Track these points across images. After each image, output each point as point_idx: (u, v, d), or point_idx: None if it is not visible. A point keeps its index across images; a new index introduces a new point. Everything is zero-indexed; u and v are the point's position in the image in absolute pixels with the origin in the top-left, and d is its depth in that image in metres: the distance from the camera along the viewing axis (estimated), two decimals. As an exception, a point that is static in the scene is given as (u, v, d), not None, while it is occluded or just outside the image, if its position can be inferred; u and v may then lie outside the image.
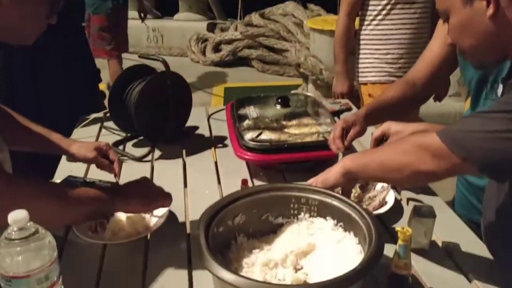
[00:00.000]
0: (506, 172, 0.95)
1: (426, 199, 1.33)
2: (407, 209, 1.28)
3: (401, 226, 1.00)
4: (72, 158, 1.42)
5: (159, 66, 1.67)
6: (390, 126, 1.31)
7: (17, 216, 0.75)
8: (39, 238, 0.77)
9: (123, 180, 1.45)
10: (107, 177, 1.41)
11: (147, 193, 1.15)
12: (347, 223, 1.06)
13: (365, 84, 2.28)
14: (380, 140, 1.31)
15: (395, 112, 1.47)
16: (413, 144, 1.00)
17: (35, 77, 1.81)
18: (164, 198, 1.18)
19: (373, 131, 1.34)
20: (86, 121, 1.82)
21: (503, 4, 0.93)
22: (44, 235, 0.78)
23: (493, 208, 1.15)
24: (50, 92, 1.83)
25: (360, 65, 2.28)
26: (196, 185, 1.46)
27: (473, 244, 1.17)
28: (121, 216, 1.21)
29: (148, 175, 1.52)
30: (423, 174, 1.00)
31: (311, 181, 1.16)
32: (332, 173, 1.11)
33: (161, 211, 1.22)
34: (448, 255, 1.14)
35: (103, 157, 1.40)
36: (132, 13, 6.91)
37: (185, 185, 1.48)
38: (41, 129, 1.36)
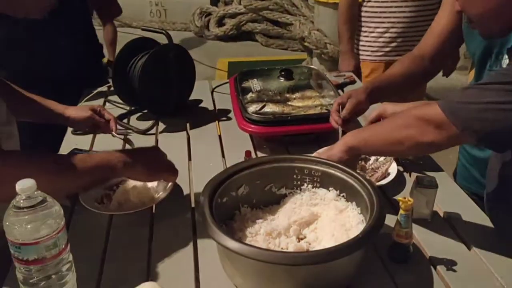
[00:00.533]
0: (504, 142, 0.96)
1: (429, 171, 1.34)
2: (410, 181, 1.29)
3: (403, 196, 1.01)
4: (69, 121, 1.46)
5: (162, 40, 1.66)
6: (386, 108, 1.32)
7: (25, 185, 0.77)
8: (47, 206, 0.79)
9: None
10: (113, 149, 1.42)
11: (154, 165, 1.15)
12: (349, 193, 1.08)
13: (364, 61, 2.26)
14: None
15: (401, 88, 1.46)
16: (413, 116, 1.02)
17: (37, 48, 1.81)
18: (170, 173, 1.18)
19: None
20: (90, 95, 1.83)
21: None
22: (52, 204, 0.80)
23: (495, 179, 1.16)
24: (53, 65, 1.83)
25: (360, 43, 2.25)
26: (200, 158, 1.48)
27: (474, 215, 1.18)
28: (127, 187, 1.23)
29: (153, 148, 1.54)
30: (425, 145, 1.02)
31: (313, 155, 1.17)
32: (335, 151, 1.13)
33: (166, 183, 1.24)
34: (449, 225, 1.15)
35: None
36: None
37: (189, 158, 1.49)
38: (35, 96, 1.37)
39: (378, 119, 1.34)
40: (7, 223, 0.77)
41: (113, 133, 1.52)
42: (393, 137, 1.05)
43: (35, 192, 0.78)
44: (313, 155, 1.18)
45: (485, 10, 1.01)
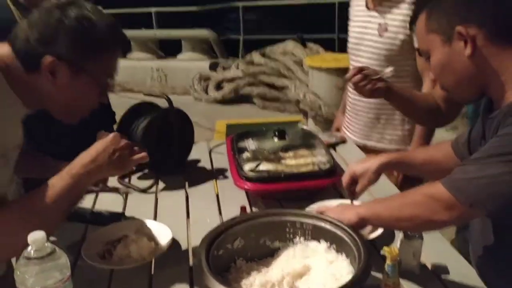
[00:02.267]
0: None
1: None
2: (399, 235, 1.35)
3: (389, 247, 1.07)
4: None
5: (163, 103, 1.78)
6: (355, 169, 1.37)
7: (36, 237, 0.83)
8: (55, 257, 0.85)
9: (129, 211, 1.53)
10: (114, 207, 1.49)
11: (119, 157, 1.13)
12: (339, 245, 1.14)
13: None
14: (351, 185, 1.38)
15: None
16: (423, 195, 1.06)
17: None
18: (137, 158, 1.18)
19: (342, 179, 1.40)
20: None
21: (479, 43, 1.02)
22: (60, 255, 0.86)
23: (480, 240, 1.21)
24: (64, 131, 1.93)
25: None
26: (198, 215, 1.54)
27: (460, 266, 1.23)
28: (128, 242, 1.28)
29: (153, 206, 1.60)
30: (435, 223, 1.07)
31: (321, 209, 1.23)
32: (346, 216, 1.15)
33: (165, 239, 1.30)
34: (437, 277, 1.20)
35: None
36: (136, 54, 7.17)
37: (188, 216, 1.55)
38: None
39: (352, 182, 1.38)
40: (18, 273, 0.83)
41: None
42: (404, 214, 1.09)
43: (45, 244, 0.84)
44: (315, 207, 1.22)
45: (456, 79, 1.10)
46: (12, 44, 1.03)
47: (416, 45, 1.18)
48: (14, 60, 1.03)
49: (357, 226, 1.15)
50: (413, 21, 1.17)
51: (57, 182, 1.05)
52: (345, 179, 1.39)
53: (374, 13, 1.93)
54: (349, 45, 2.09)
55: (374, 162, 1.37)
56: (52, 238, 1.25)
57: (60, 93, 1.05)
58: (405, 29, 1.81)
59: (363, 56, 1.98)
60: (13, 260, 1.07)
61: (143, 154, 1.20)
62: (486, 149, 1.01)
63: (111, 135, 1.15)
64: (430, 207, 1.04)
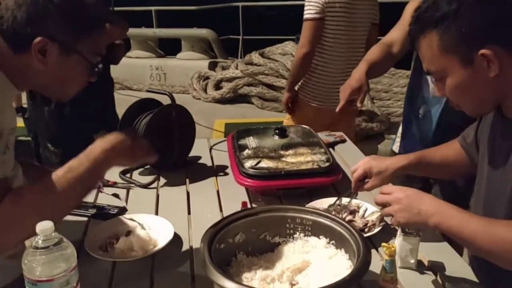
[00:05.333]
0: None
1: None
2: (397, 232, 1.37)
3: (387, 243, 1.09)
4: None
5: (165, 101, 1.80)
6: (371, 165, 1.37)
7: (44, 227, 0.85)
8: (62, 247, 0.87)
9: (130, 206, 1.55)
10: (116, 202, 1.51)
11: (133, 151, 1.16)
12: (338, 241, 1.16)
13: None
14: (361, 180, 1.39)
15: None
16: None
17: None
18: (149, 155, 1.22)
19: (352, 170, 1.42)
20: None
21: (503, 61, 0.99)
22: (66, 245, 0.88)
23: None
24: (66, 130, 1.96)
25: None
26: (199, 212, 1.55)
27: (456, 263, 1.26)
28: (131, 236, 1.30)
29: (154, 202, 1.62)
30: None
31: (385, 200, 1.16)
32: (417, 221, 1.09)
33: (167, 234, 1.32)
34: (433, 274, 1.23)
35: None
36: (136, 52, 7.17)
37: (189, 212, 1.57)
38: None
39: (364, 176, 1.39)
40: (25, 261, 0.84)
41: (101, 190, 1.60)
42: (489, 249, 1.01)
43: (52, 234, 0.86)
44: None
45: (477, 101, 1.07)
46: None
47: (424, 66, 1.11)
48: (0, 41, 1.01)
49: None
50: (414, 38, 1.10)
51: (76, 166, 1.04)
52: (358, 172, 1.38)
53: None
54: None
55: (392, 164, 1.35)
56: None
57: (49, 72, 1.04)
58: None
59: None
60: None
61: (154, 153, 1.22)
62: None
63: (129, 128, 1.15)
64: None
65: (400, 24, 1.88)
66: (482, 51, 0.99)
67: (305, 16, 2.40)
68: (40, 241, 0.85)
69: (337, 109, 1.69)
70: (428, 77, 1.71)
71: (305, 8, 2.40)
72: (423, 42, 1.07)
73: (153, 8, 7.37)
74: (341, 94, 1.70)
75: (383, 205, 1.17)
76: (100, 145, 1.09)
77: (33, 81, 1.07)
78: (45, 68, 1.03)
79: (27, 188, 1.06)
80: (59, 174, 1.02)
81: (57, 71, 1.05)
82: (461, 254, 1.31)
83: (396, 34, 1.87)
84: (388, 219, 1.42)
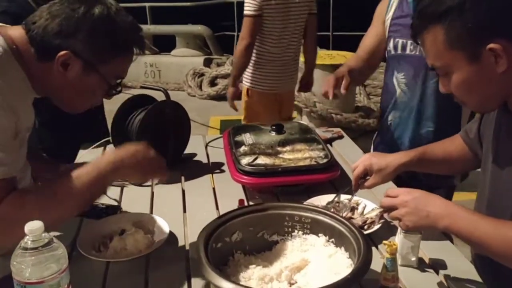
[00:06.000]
0: None
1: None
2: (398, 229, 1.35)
3: (388, 241, 1.07)
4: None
5: (159, 97, 1.76)
6: (372, 162, 1.34)
7: (33, 227, 0.82)
8: (52, 248, 0.84)
9: (125, 204, 1.52)
10: (110, 200, 1.47)
11: (143, 167, 1.15)
12: (338, 239, 1.13)
13: None
14: (362, 177, 1.36)
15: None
16: None
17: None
18: (159, 173, 1.22)
19: (353, 167, 1.39)
20: (89, 148, 1.89)
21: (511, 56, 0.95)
22: (57, 246, 0.85)
23: None
24: (55, 120, 1.91)
25: None
26: (194, 210, 1.52)
27: (458, 261, 1.23)
28: (123, 236, 1.27)
29: (148, 200, 1.59)
30: None
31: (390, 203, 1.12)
32: (426, 224, 1.06)
33: (162, 233, 1.28)
34: (435, 272, 1.20)
35: None
36: (131, 49, 7.11)
37: (184, 210, 1.54)
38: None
39: (364, 174, 1.36)
40: (14, 263, 0.81)
41: None
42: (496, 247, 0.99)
43: (42, 234, 0.83)
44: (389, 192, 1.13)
45: (483, 97, 1.04)
46: (27, 30, 1.02)
47: (429, 61, 1.07)
48: (27, 45, 1.02)
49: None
50: (416, 34, 1.06)
51: (83, 174, 1.05)
52: (358, 169, 1.35)
53: None
54: None
55: (394, 161, 1.32)
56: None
57: (67, 86, 1.05)
58: None
59: None
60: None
61: (165, 172, 1.21)
62: None
63: (144, 144, 1.16)
64: None
65: (372, 30, 1.90)
66: (490, 45, 0.95)
67: (245, 13, 2.66)
68: (29, 242, 0.82)
69: (323, 92, 1.75)
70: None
71: (245, 5, 2.66)
72: (427, 37, 1.03)
73: (147, 4, 7.30)
74: (326, 82, 1.74)
75: (389, 208, 1.14)
76: (110, 156, 1.10)
77: (49, 90, 1.09)
78: (63, 81, 1.04)
79: (31, 190, 1.06)
80: (65, 181, 1.03)
81: (74, 86, 1.06)
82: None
83: (369, 42, 1.90)
84: (389, 218, 1.40)
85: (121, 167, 1.10)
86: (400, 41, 1.76)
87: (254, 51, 2.74)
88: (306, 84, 3.09)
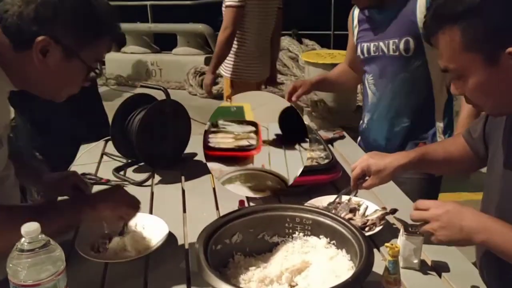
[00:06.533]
0: None
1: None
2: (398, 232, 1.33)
3: (390, 243, 1.05)
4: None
5: (159, 96, 1.75)
6: (369, 164, 1.32)
7: (29, 228, 0.80)
8: (49, 250, 0.82)
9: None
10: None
11: (115, 199, 1.17)
12: (339, 240, 1.12)
13: None
14: (360, 178, 1.35)
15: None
16: None
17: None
18: (131, 205, 1.20)
19: (352, 167, 1.38)
20: (88, 148, 1.88)
21: None
22: (54, 247, 0.83)
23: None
24: (56, 121, 1.91)
25: None
26: (194, 210, 1.51)
27: (461, 264, 1.22)
28: (123, 237, 1.26)
29: (148, 200, 1.57)
30: None
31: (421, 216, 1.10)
32: (461, 239, 1.04)
33: (161, 234, 1.27)
34: (437, 274, 1.19)
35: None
36: (131, 48, 7.11)
37: (184, 210, 1.52)
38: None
39: (362, 175, 1.35)
40: (10, 265, 0.80)
41: None
42: None
43: (39, 236, 0.82)
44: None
45: (501, 100, 1.00)
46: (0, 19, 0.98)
47: (442, 63, 1.03)
48: (0, 36, 0.98)
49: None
50: (429, 34, 1.03)
51: (54, 213, 1.04)
52: (356, 171, 1.34)
53: None
54: None
55: (391, 162, 1.30)
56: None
57: (47, 73, 1.01)
58: None
59: None
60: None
61: (137, 210, 1.21)
62: None
63: (117, 189, 1.21)
64: None
65: (349, 41, 2.02)
66: (510, 49, 0.92)
67: (228, 3, 2.77)
68: (25, 244, 0.80)
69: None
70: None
71: None
72: (442, 38, 0.99)
73: (148, 2, 7.28)
74: (286, 88, 1.90)
75: (420, 221, 1.11)
76: (84, 201, 1.14)
77: (29, 80, 1.05)
78: (43, 69, 1.01)
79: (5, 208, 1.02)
80: (26, 214, 0.98)
81: (55, 73, 1.03)
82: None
83: (348, 53, 2.06)
84: (389, 218, 1.39)
85: (93, 213, 1.11)
86: (365, 45, 1.84)
87: (236, 42, 2.87)
88: (271, 78, 3.32)
